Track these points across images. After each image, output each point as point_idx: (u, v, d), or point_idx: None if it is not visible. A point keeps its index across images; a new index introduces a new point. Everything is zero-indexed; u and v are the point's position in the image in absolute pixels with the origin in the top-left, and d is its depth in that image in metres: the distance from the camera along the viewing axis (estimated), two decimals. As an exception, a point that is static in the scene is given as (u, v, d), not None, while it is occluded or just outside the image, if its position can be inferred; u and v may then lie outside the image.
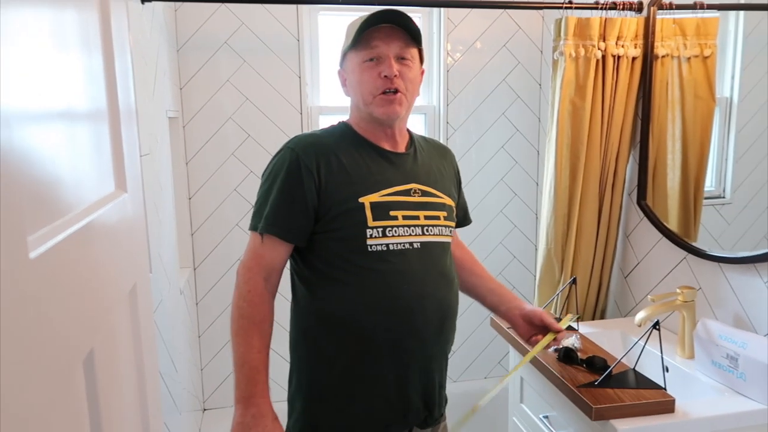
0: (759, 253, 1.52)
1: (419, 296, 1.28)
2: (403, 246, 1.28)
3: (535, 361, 1.66)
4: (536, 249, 2.78)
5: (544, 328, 1.42)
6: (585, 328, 1.90)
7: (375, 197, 1.28)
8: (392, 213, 1.28)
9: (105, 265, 0.67)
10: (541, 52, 2.65)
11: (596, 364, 1.53)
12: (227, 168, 2.49)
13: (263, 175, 1.33)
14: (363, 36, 1.28)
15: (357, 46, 1.30)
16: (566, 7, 1.93)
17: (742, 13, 1.74)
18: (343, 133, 1.37)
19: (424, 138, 1.51)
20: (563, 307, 2.04)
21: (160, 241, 1.79)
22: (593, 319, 2.11)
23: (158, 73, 1.93)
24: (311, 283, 1.32)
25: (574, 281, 1.89)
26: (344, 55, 1.36)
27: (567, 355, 1.59)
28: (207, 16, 2.37)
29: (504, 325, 1.85)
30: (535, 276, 2.76)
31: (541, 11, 2.59)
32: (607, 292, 2.12)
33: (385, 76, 1.27)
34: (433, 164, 1.43)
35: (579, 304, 2.07)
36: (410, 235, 1.29)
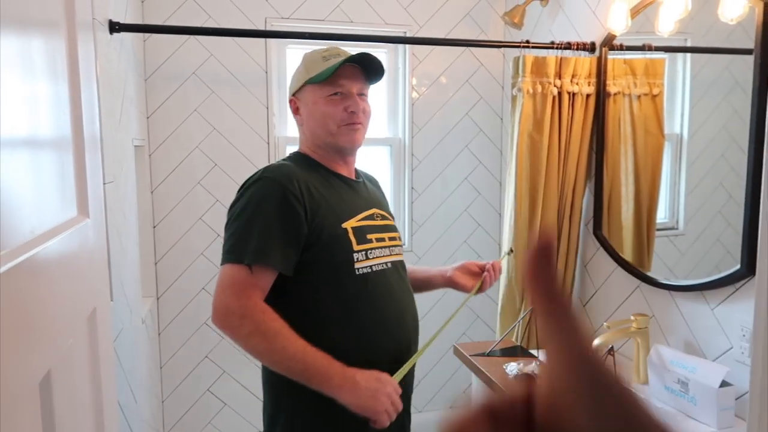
0: (706, 281, 1.59)
1: (401, 313, 1.36)
2: (381, 267, 1.35)
3: (495, 388, 1.68)
4: (498, 279, 2.83)
5: (480, 272, 1.55)
6: (545, 355, 1.93)
7: (354, 222, 1.33)
8: (368, 236, 1.34)
9: (63, 288, 0.68)
10: (503, 87, 2.74)
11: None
12: (193, 197, 2.49)
13: (238, 205, 1.28)
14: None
15: (322, 81, 1.35)
16: (524, 47, 2.02)
17: (689, 55, 1.84)
18: (305, 162, 1.39)
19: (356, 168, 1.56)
20: (524, 335, 2.08)
21: (122, 269, 1.78)
22: (554, 347, 2.14)
23: (125, 101, 1.94)
24: (293, 318, 1.23)
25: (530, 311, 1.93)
26: (301, 86, 1.39)
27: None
28: (176, 47, 2.40)
29: (467, 351, 1.88)
30: (497, 304, 2.81)
31: (502, 50, 2.70)
32: (566, 320, 2.16)
33: (352, 112, 1.35)
34: (376, 191, 1.54)
35: (539, 332, 2.11)
36: (383, 256, 1.36)
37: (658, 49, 1.90)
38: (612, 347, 1.54)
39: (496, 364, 1.80)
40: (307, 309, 1.28)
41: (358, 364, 1.21)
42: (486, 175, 2.80)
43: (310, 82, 1.35)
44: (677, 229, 1.90)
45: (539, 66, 1.98)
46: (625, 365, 1.80)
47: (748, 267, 1.45)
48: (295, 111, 1.42)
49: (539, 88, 1.98)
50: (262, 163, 2.63)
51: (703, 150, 1.80)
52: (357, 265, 1.30)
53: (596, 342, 1.66)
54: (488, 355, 1.88)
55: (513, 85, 2.03)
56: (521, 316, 2.08)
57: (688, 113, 1.83)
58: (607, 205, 2.05)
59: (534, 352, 1.93)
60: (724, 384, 1.45)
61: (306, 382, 1.18)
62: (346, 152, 1.40)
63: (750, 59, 1.62)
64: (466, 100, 2.72)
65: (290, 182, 1.27)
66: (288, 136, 2.61)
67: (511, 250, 1.99)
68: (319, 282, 1.29)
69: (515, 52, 2.18)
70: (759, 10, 1.39)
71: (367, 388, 1.18)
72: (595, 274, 2.11)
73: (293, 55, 2.59)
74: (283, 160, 1.41)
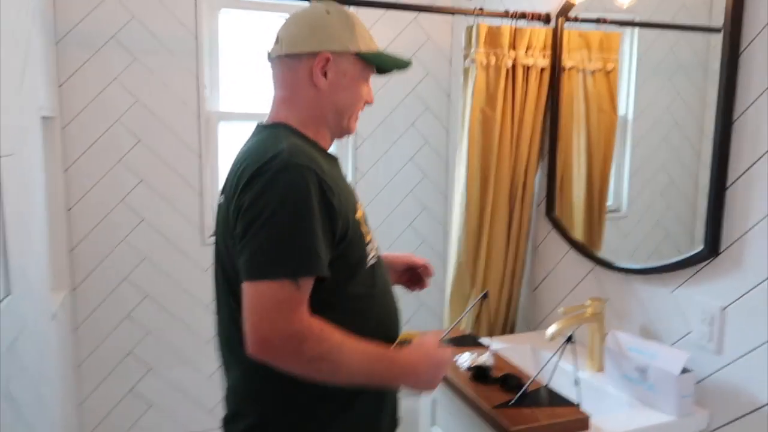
0: (665, 264, 1.53)
1: (396, 305, 1.25)
2: (376, 258, 1.21)
3: (447, 382, 1.57)
4: (445, 263, 2.73)
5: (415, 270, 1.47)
6: (496, 343, 1.84)
7: (359, 210, 1.18)
8: (363, 228, 1.19)
9: None
10: (450, 62, 2.62)
11: (510, 382, 1.46)
12: (113, 176, 2.24)
13: (266, 202, 1.00)
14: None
15: (369, 63, 1.19)
16: (477, 14, 1.89)
17: (636, 33, 1.77)
18: (305, 140, 1.15)
19: None
20: (475, 323, 1.98)
21: (25, 258, 1.54)
22: (503, 333, 2.07)
23: (28, 65, 1.69)
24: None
25: (485, 295, 1.83)
26: (343, 51, 1.15)
27: (480, 374, 1.52)
28: (92, 6, 2.14)
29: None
30: (443, 291, 2.71)
31: (450, 21, 2.57)
32: (516, 305, 2.09)
33: (366, 102, 1.22)
34: None
35: (490, 320, 2.02)
36: (374, 248, 1.22)
37: (613, 22, 1.82)
38: (571, 336, 1.45)
39: (447, 355, 1.69)
40: (325, 309, 1.08)
41: None
42: (432, 155, 2.68)
43: (361, 56, 1.17)
44: (620, 211, 1.85)
45: (493, 36, 1.86)
46: (578, 352, 1.72)
47: (711, 248, 1.39)
48: (322, 72, 1.14)
49: (493, 60, 1.86)
50: (192, 140, 2.43)
51: (647, 132, 1.76)
52: (368, 260, 1.16)
53: (552, 329, 1.57)
54: (438, 344, 1.76)
55: (465, 57, 1.90)
56: (472, 303, 1.97)
57: (634, 94, 1.78)
58: (559, 185, 1.96)
59: (485, 340, 1.83)
60: (684, 371, 1.39)
61: (365, 386, 1.10)
62: (341, 137, 1.24)
63: (695, 40, 1.58)
64: (412, 75, 2.57)
65: (321, 169, 1.05)
66: (221, 110, 2.39)
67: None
68: (339, 281, 1.09)
69: (464, 24, 2.06)
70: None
71: (427, 375, 1.14)
72: (547, 257, 2.03)
73: (227, 20, 2.37)
74: (277, 134, 1.11)
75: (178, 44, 2.26)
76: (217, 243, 1.17)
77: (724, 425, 1.40)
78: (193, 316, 2.39)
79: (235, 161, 1.14)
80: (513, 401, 1.39)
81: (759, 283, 1.30)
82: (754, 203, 1.30)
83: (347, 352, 1.03)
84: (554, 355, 1.47)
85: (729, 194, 1.36)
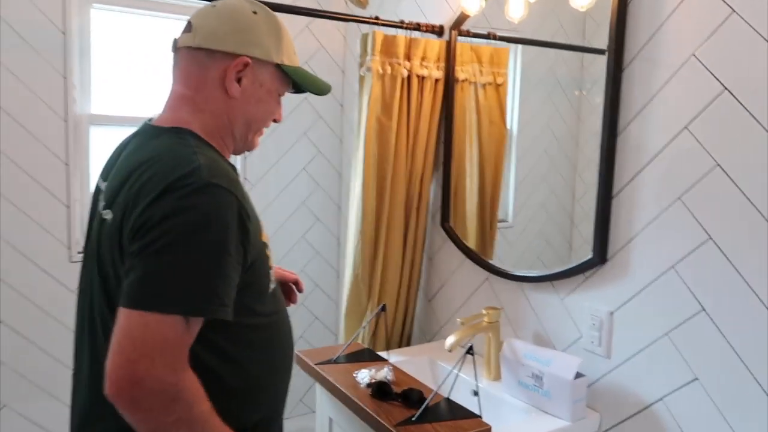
0: (556, 272, 1.57)
1: (291, 331, 1.15)
2: (276, 283, 1.10)
3: (345, 399, 1.50)
4: (338, 276, 2.67)
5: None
6: (394, 356, 1.80)
7: (263, 233, 1.04)
8: (268, 251, 1.07)
9: None
10: (343, 71, 2.58)
11: (412, 397, 1.42)
12: (-40, 185, 1.96)
13: (177, 222, 0.85)
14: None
15: (287, 78, 1.08)
16: (373, 23, 1.86)
17: (520, 49, 1.84)
18: (215, 152, 1.02)
19: None
20: (372, 337, 1.93)
21: None
22: (400, 346, 2.03)
23: None
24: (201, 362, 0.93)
25: (383, 308, 1.79)
26: (265, 60, 1.04)
27: (381, 390, 1.47)
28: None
29: (311, 359, 1.67)
30: (337, 304, 2.65)
31: (343, 30, 2.53)
32: (413, 317, 2.07)
33: (275, 120, 1.13)
34: None
35: (387, 332, 1.98)
36: (274, 271, 1.10)
37: (501, 39, 1.87)
38: (471, 347, 1.44)
39: (344, 373, 1.62)
40: (229, 341, 0.98)
41: (274, 393, 1.08)
42: (325, 165, 2.62)
43: (283, 68, 1.06)
44: (507, 221, 1.91)
45: (389, 45, 1.84)
46: (476, 362, 1.73)
47: (600, 256, 1.44)
48: (237, 78, 1.02)
49: (389, 69, 1.84)
50: (58, 147, 2.17)
51: (530, 145, 1.83)
52: (270, 283, 1.06)
53: (450, 340, 1.56)
54: (335, 362, 1.69)
55: (361, 65, 1.87)
56: (369, 317, 1.92)
57: (518, 108, 1.84)
58: (453, 195, 1.98)
59: (384, 354, 1.79)
60: (577, 375, 1.42)
61: None
62: (239, 153, 1.13)
63: (571, 60, 1.67)
64: (304, 83, 2.50)
65: (240, 193, 0.93)
66: (93, 113, 2.17)
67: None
68: (242, 311, 0.97)
69: (357, 34, 2.03)
70: (614, 3, 1.38)
71: None
72: (443, 268, 2.03)
73: (99, 17, 2.16)
74: (185, 143, 0.96)
75: (43, 41, 2.02)
76: (96, 262, 0.98)
77: (614, 426, 1.45)
78: (56, 343, 2.13)
79: (125, 166, 0.97)
80: (415, 417, 1.35)
81: (643, 288, 1.37)
82: (638, 211, 1.37)
83: (210, 426, 0.89)
84: (455, 366, 1.45)
85: (615, 203, 1.42)
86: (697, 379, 1.27)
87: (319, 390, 1.71)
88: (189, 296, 0.85)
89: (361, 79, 1.88)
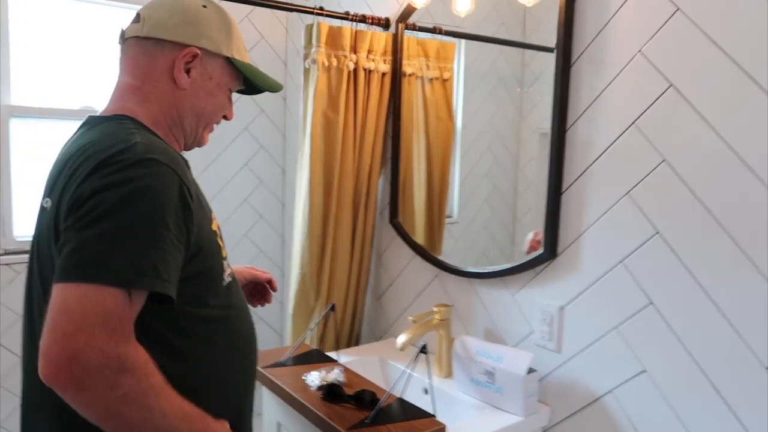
0: (507, 267, 1.57)
1: (254, 329, 1.13)
2: (232, 277, 1.06)
3: (295, 403, 1.45)
4: (283, 275, 2.60)
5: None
6: (344, 357, 1.76)
7: (214, 222, 1.03)
8: (220, 241, 1.04)
9: None
10: (286, 64, 2.50)
11: (365, 399, 1.39)
12: None
13: (112, 194, 0.81)
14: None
15: (238, 73, 1.07)
16: (317, 13, 1.80)
17: (464, 45, 1.83)
18: (156, 136, 0.98)
19: None
20: (320, 337, 1.88)
21: None
22: (348, 346, 1.99)
23: None
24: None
25: (332, 308, 1.74)
26: (215, 52, 1.03)
27: (332, 392, 1.42)
28: None
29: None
30: (283, 304, 2.57)
31: (285, 22, 2.46)
32: (361, 316, 2.03)
33: (225, 117, 1.12)
34: None
35: (336, 332, 1.94)
36: (230, 264, 1.08)
37: (447, 33, 1.85)
38: (425, 346, 1.42)
39: (293, 375, 1.57)
40: (178, 336, 0.93)
41: (236, 393, 1.05)
42: (268, 161, 2.54)
43: (233, 62, 1.05)
44: (452, 217, 1.90)
45: (334, 37, 1.78)
46: (429, 360, 1.71)
47: (550, 251, 1.45)
48: (186, 68, 1.00)
49: (334, 62, 1.78)
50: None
51: (474, 141, 1.83)
52: (225, 276, 1.02)
53: (402, 339, 1.53)
54: (283, 364, 1.64)
55: (306, 56, 1.80)
56: (318, 317, 1.87)
57: (462, 104, 1.84)
58: (402, 191, 1.95)
59: (333, 355, 1.74)
60: (529, 371, 1.42)
61: None
62: (189, 148, 1.11)
63: (512, 56, 1.67)
64: (245, 75, 2.41)
65: (182, 170, 0.90)
66: (13, 104, 2.01)
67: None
68: (193, 302, 0.94)
69: (299, 26, 1.97)
70: (561, 2, 1.38)
71: None
72: (392, 265, 2.00)
73: (16, 3, 1.99)
74: (124, 126, 0.93)
75: (-48, 23, 1.86)
76: (35, 258, 0.95)
77: (565, 419, 1.47)
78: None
79: (61, 159, 0.94)
80: (369, 419, 1.32)
81: (593, 283, 1.38)
82: (587, 207, 1.38)
83: (165, 399, 0.83)
84: (409, 366, 1.42)
85: (564, 199, 1.43)
86: (645, 371, 1.29)
87: (267, 394, 1.64)
88: (126, 266, 0.80)
89: (306, 71, 1.82)
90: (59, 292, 0.77)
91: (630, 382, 1.32)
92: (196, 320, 0.95)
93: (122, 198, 0.81)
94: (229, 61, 1.05)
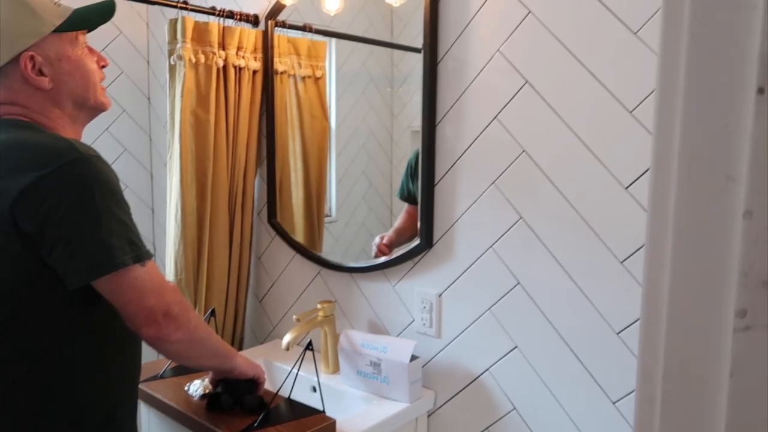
0: (387, 260, 1.61)
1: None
2: None
3: (178, 416, 1.39)
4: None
5: None
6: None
7: None
8: None
9: None
10: (148, 62, 2.37)
11: (252, 403, 1.36)
12: None
13: (101, 192, 0.97)
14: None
15: (74, 30, 1.07)
16: (181, 8, 1.73)
17: (335, 44, 1.85)
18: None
19: None
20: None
21: None
22: (231, 350, 1.94)
23: None
24: (98, 333, 1.07)
25: (212, 313, 1.69)
26: (40, 38, 1.02)
27: (216, 401, 1.38)
28: None
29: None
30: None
31: (145, 17, 2.32)
32: (243, 319, 1.98)
33: (103, 66, 1.14)
34: None
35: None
36: None
37: (317, 32, 1.86)
38: (310, 342, 1.42)
39: (174, 387, 1.50)
40: (113, 322, 1.07)
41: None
42: (134, 165, 2.39)
43: (62, 29, 1.04)
44: (331, 216, 1.93)
45: (201, 32, 1.72)
46: (315, 357, 1.71)
47: (426, 242, 1.51)
48: (37, 72, 1.02)
49: (202, 58, 1.72)
50: None
51: (348, 140, 1.87)
52: None
53: (287, 338, 1.52)
54: (161, 377, 1.56)
55: (171, 53, 1.72)
56: (197, 323, 1.80)
57: (335, 103, 1.86)
58: (279, 191, 1.93)
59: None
60: (412, 358, 1.48)
61: (221, 360, 1.25)
62: (95, 116, 1.16)
63: (382, 56, 1.72)
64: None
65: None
66: None
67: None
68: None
69: (162, 21, 1.87)
70: (426, 3, 1.44)
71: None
72: (272, 266, 1.98)
73: None
74: (37, 131, 1.01)
75: None
76: None
77: (448, 401, 1.54)
78: None
79: None
80: (257, 423, 1.29)
81: (467, 269, 1.46)
82: (458, 197, 1.46)
83: (205, 326, 1.16)
84: (295, 365, 1.42)
85: (438, 190, 1.50)
86: (516, 347, 1.39)
87: (146, 412, 1.56)
88: (142, 244, 1.02)
89: (172, 68, 1.74)
90: (119, 280, 0.96)
91: (504, 359, 1.42)
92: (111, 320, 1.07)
93: (98, 195, 0.97)
94: (59, 31, 1.04)
